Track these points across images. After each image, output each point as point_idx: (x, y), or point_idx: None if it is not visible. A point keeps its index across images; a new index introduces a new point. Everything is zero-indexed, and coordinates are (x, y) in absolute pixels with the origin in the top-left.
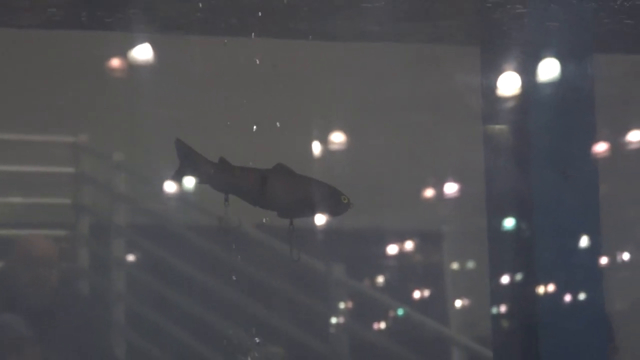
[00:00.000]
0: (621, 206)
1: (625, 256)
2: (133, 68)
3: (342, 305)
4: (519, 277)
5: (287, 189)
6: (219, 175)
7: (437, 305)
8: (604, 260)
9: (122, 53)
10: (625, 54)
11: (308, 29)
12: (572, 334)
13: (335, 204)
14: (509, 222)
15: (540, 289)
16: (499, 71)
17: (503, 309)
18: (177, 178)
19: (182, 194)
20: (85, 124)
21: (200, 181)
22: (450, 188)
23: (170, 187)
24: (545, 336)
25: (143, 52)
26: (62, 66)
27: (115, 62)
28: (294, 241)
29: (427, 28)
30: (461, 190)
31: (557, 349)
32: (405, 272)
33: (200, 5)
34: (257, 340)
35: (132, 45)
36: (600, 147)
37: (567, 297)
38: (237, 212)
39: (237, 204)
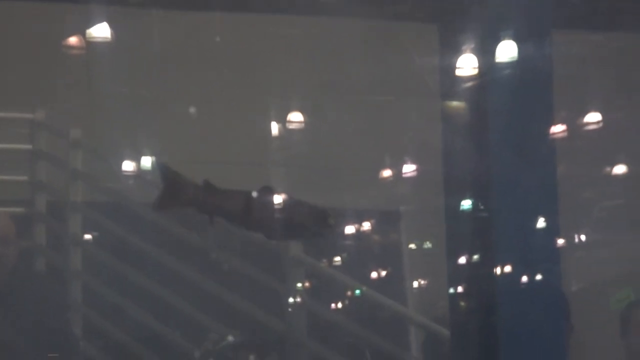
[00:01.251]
0: (578, 186)
1: (582, 236)
2: (91, 44)
3: (299, 285)
4: (476, 256)
5: (273, 211)
6: (204, 198)
7: (395, 284)
8: (561, 241)
9: (81, 28)
10: (585, 33)
11: (266, 3)
12: (529, 313)
13: (322, 226)
14: (467, 202)
15: (498, 269)
16: (457, 50)
17: (461, 288)
18: (161, 204)
19: (140, 172)
20: (43, 100)
21: (185, 204)
22: (409, 167)
23: (128, 165)
24: (503, 316)
25: (101, 28)
26: (18, 41)
27: (73, 38)
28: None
29: (385, 5)
30: (419, 170)
31: (515, 328)
32: (363, 251)
33: None
34: (230, 338)
35: (90, 20)
36: (558, 127)
37: (525, 277)
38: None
39: None
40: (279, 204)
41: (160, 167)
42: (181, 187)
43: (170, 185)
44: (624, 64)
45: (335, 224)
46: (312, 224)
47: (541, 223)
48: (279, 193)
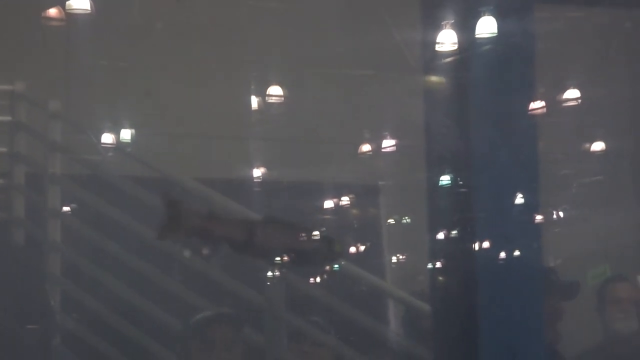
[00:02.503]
0: (557, 162)
1: (560, 212)
2: (70, 15)
3: (278, 259)
4: (457, 231)
5: (277, 239)
6: (208, 227)
7: (375, 259)
8: (541, 216)
9: (60, 0)
10: (566, 8)
11: None
12: (509, 288)
13: (327, 253)
14: (448, 177)
15: (478, 244)
16: (438, 24)
17: (441, 263)
18: (163, 234)
19: (119, 144)
20: (22, 71)
21: (188, 234)
22: (388, 142)
23: (107, 137)
24: (483, 291)
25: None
26: None
27: (53, 9)
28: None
29: None
30: (399, 144)
31: (495, 303)
32: (342, 225)
33: None
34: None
35: None
36: (539, 103)
37: (505, 252)
38: None
39: None
40: (282, 232)
41: (163, 196)
42: (184, 216)
43: (173, 214)
44: (605, 39)
45: (342, 251)
46: (318, 252)
47: (521, 199)
48: (283, 222)
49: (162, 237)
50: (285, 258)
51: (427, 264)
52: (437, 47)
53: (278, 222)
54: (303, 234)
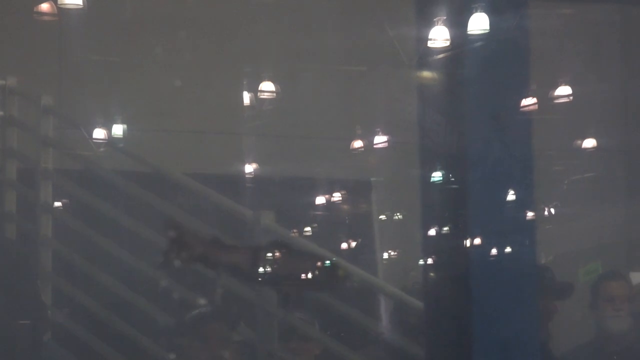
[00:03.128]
0: (551, 160)
1: (552, 209)
2: (63, 10)
3: (269, 254)
4: (450, 228)
5: (281, 265)
6: (212, 254)
7: (367, 255)
8: (534, 213)
9: None
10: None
11: None
12: (502, 285)
13: (332, 279)
14: (441, 173)
15: (471, 241)
16: (432, 20)
17: (434, 260)
18: (167, 262)
19: (111, 139)
20: (14, 67)
21: (192, 260)
22: (381, 138)
23: (99, 132)
24: (476, 287)
25: None
26: None
27: (45, 4)
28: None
29: None
30: (392, 140)
31: (488, 300)
32: (335, 221)
33: None
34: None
35: None
36: (534, 100)
37: (498, 249)
38: None
39: None
40: (287, 258)
41: (166, 222)
42: (188, 243)
43: (177, 241)
44: (599, 36)
45: (346, 276)
46: (322, 278)
47: (514, 195)
48: (287, 246)
49: (165, 264)
50: (290, 284)
51: (419, 260)
52: (430, 44)
53: (282, 248)
54: (307, 260)
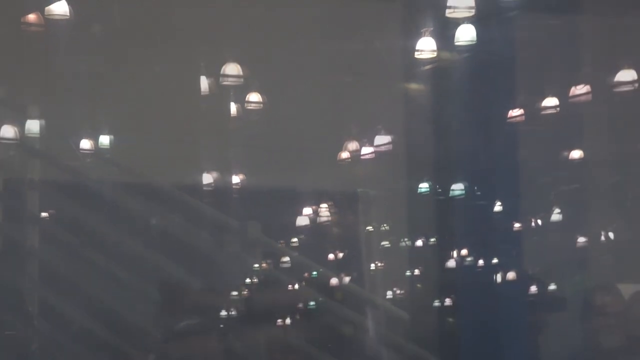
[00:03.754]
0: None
1: (539, 219)
2: (50, 20)
3: (256, 265)
4: (437, 239)
5: (276, 301)
6: (205, 302)
7: (354, 266)
8: (520, 224)
9: (39, 5)
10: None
11: None
12: (489, 295)
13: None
14: (428, 185)
15: (459, 251)
16: (419, 31)
17: (421, 270)
18: (161, 319)
19: (98, 150)
20: (0, 77)
21: (186, 311)
22: (368, 149)
23: (86, 143)
24: (463, 298)
25: (60, 5)
26: None
27: (32, 14)
28: None
29: None
30: (379, 152)
31: (474, 310)
32: (321, 233)
33: None
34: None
35: None
36: (520, 111)
37: (485, 259)
38: None
39: None
40: (281, 293)
41: (159, 287)
42: (180, 297)
43: (169, 299)
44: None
45: (343, 299)
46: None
47: (501, 206)
48: (281, 282)
49: (159, 322)
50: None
51: (405, 272)
52: (419, 54)
53: (275, 284)
54: (302, 289)
